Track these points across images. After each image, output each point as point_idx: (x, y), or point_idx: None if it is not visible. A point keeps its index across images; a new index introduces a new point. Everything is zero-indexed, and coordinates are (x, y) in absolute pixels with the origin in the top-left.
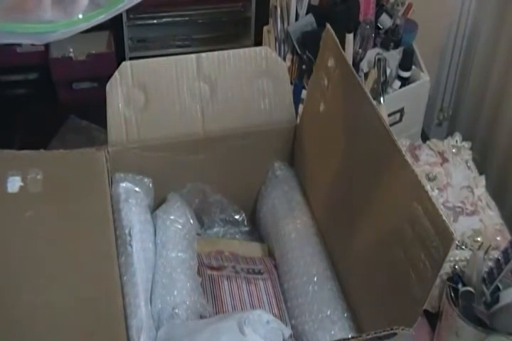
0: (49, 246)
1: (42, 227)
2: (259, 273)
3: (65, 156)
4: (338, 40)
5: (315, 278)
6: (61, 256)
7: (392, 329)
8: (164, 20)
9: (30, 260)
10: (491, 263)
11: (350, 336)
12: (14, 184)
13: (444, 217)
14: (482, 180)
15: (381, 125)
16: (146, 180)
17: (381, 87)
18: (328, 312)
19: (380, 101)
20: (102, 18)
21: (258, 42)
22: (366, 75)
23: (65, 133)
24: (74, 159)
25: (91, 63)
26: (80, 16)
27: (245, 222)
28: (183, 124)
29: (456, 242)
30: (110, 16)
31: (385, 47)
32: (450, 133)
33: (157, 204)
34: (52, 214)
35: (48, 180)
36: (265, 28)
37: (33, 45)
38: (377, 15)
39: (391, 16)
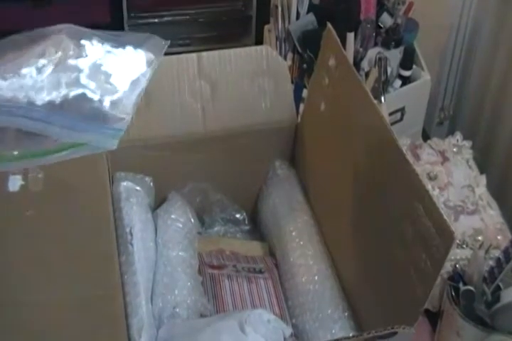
0: (49, 245)
1: (42, 226)
2: (260, 272)
3: None
4: (338, 39)
5: (316, 277)
6: (61, 254)
7: (392, 328)
8: (165, 19)
9: (30, 259)
10: (491, 263)
11: (351, 335)
12: (15, 183)
13: (444, 216)
14: (483, 179)
15: (382, 124)
16: (146, 179)
17: (382, 86)
18: (329, 311)
19: (380, 100)
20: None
21: (259, 42)
22: (367, 74)
23: None
24: (75, 158)
25: None
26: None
27: (246, 221)
28: (184, 123)
29: (457, 241)
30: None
31: (386, 46)
32: (451, 132)
33: (158, 203)
34: (53, 213)
35: (49, 178)
36: (266, 27)
37: None
38: (378, 14)
39: (392, 15)
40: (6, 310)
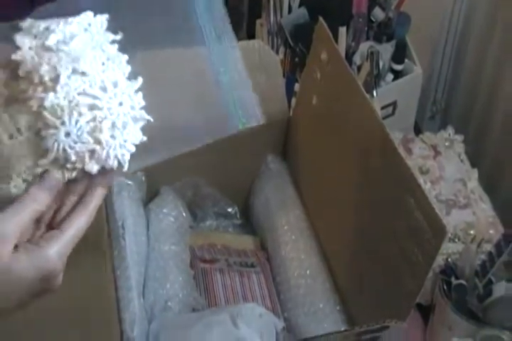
0: None
1: None
2: (252, 266)
3: None
4: (330, 33)
5: (307, 272)
6: None
7: (384, 322)
8: None
9: None
10: (483, 256)
11: (342, 329)
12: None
13: (436, 210)
14: (475, 173)
15: (374, 118)
16: (138, 173)
17: (374, 80)
18: (321, 305)
19: (372, 94)
20: None
21: (251, 36)
22: (359, 68)
23: None
24: None
25: None
26: None
27: (238, 215)
28: None
29: (449, 235)
30: None
31: (378, 40)
32: (443, 126)
33: (150, 197)
34: None
35: None
36: (258, 21)
37: None
38: (370, 9)
39: (384, 9)
40: None
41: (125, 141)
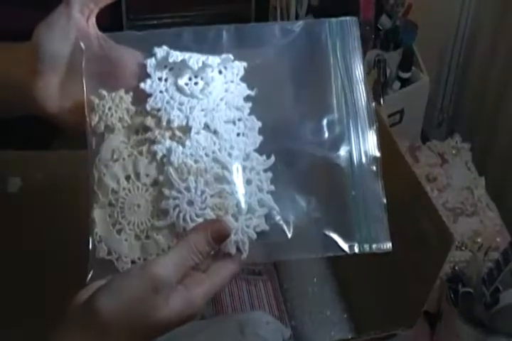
0: (49, 246)
1: (42, 228)
2: (259, 274)
3: (66, 156)
4: None
5: (315, 279)
6: (60, 257)
7: (391, 330)
8: (164, 21)
9: (30, 259)
10: (490, 264)
11: (349, 337)
12: (14, 184)
13: (443, 218)
14: (482, 181)
15: (381, 126)
16: None
17: (381, 88)
18: (328, 313)
19: (379, 102)
20: None
21: None
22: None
23: (66, 133)
24: (75, 159)
25: None
26: None
27: None
28: None
29: (456, 243)
30: None
31: (385, 48)
32: (449, 134)
33: None
34: (53, 214)
35: (48, 180)
36: None
37: None
38: (377, 16)
39: (391, 17)
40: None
41: (247, 227)
